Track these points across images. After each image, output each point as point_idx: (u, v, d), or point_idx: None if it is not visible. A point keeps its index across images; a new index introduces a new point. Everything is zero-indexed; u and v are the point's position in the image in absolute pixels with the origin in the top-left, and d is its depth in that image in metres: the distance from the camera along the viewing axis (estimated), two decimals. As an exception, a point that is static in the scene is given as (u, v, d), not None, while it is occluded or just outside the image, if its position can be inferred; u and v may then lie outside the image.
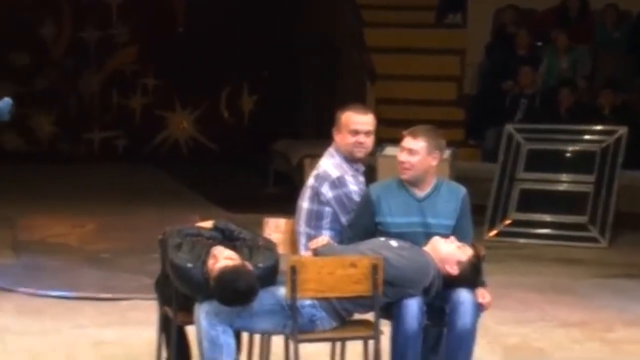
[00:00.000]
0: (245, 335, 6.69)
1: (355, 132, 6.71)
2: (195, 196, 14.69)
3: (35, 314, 8.98)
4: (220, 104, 18.60)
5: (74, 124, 18.32)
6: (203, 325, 6.28)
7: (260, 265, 6.39)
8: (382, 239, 6.58)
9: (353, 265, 6.25)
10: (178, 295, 6.53)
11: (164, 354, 6.88)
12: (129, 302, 9.20)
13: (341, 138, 6.77)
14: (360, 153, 6.78)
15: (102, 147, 18.39)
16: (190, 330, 6.65)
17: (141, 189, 15.32)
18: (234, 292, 6.18)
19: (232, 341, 6.32)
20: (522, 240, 12.88)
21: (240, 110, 18.68)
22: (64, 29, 18.30)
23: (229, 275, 6.20)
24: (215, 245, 6.49)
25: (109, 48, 18.44)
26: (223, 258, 6.30)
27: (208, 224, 6.81)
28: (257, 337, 6.84)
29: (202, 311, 6.31)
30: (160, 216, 10.88)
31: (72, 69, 18.33)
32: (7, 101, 9.12)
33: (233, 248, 6.46)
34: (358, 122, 6.74)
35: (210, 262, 6.32)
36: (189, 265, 6.35)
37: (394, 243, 6.49)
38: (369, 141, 6.77)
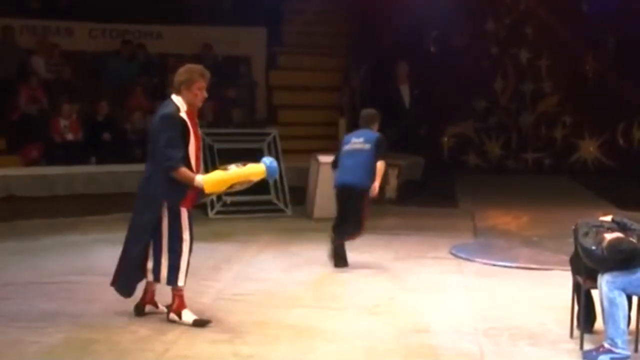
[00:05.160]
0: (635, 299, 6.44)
1: None
2: (599, 199, 14.22)
3: (487, 276, 9.02)
4: (617, 134, 17.86)
5: (515, 148, 18.24)
6: (604, 289, 6.14)
7: None
8: None
9: None
10: (586, 268, 6.43)
11: (576, 308, 6.75)
12: (551, 271, 9.04)
13: None
14: None
15: (534, 164, 18.18)
16: (594, 293, 6.48)
17: (560, 194, 15.00)
18: (619, 251, 6.08)
19: (625, 302, 6.17)
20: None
21: (631, 138, 17.85)
22: (509, 83, 18.25)
23: (615, 241, 6.14)
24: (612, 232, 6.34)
25: (539, 96, 18.18)
26: (614, 235, 6.21)
27: (608, 218, 6.68)
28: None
29: (604, 280, 6.17)
30: (573, 212, 10.59)
31: (514, 111, 18.25)
32: (273, 164, 6.73)
33: (625, 235, 6.30)
34: None
35: (605, 236, 6.22)
36: (593, 247, 6.26)
37: None
38: None
